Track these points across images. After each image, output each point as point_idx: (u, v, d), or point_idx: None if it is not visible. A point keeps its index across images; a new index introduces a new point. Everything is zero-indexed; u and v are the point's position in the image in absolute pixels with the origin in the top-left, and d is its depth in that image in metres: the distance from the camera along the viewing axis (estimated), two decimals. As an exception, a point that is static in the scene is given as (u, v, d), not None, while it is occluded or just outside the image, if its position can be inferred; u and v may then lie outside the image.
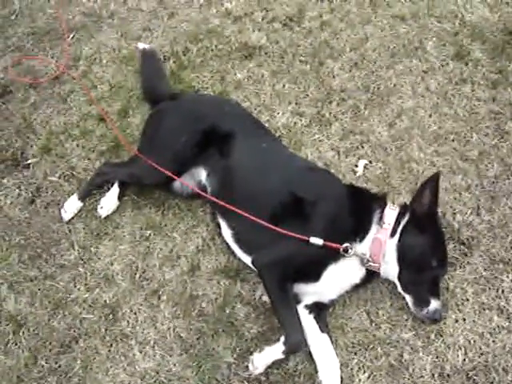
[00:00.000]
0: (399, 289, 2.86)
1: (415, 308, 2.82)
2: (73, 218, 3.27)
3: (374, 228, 2.84)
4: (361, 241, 2.82)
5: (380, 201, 2.94)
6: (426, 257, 2.79)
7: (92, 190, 3.33)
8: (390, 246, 2.82)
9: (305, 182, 2.97)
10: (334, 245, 2.73)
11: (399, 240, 2.82)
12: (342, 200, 2.89)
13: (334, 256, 2.77)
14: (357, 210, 2.87)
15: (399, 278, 2.84)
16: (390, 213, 2.87)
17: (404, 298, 2.88)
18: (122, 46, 4.00)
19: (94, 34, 4.09)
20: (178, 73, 3.82)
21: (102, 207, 3.25)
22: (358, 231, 2.84)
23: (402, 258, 2.80)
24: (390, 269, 2.84)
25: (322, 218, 2.82)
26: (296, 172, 3.05)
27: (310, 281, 2.83)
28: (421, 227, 2.81)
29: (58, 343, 2.92)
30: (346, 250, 2.75)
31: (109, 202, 3.26)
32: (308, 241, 2.72)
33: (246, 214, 2.85)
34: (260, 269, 2.85)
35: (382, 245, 2.80)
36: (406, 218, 2.86)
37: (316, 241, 2.72)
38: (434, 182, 2.77)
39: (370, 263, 2.82)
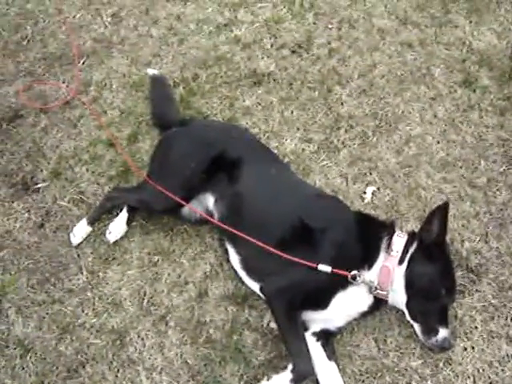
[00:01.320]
0: (407, 317, 2.85)
1: (423, 336, 2.79)
2: (82, 242, 3.28)
3: (381, 256, 2.84)
4: (369, 268, 2.82)
5: (388, 228, 2.94)
6: (435, 285, 2.77)
7: (101, 215, 3.35)
8: (398, 274, 2.80)
9: (313, 209, 2.97)
10: (342, 272, 2.72)
11: (407, 268, 2.81)
12: (351, 227, 2.89)
13: (343, 283, 2.76)
14: (365, 238, 2.87)
15: (407, 306, 2.82)
16: (398, 240, 2.87)
17: (412, 326, 2.87)
18: (132, 72, 4.04)
19: (104, 59, 4.12)
20: (187, 99, 3.85)
21: (110, 232, 3.26)
22: (366, 259, 2.83)
23: (410, 287, 2.79)
24: (397, 297, 2.83)
25: (330, 245, 2.81)
26: (305, 199, 3.05)
27: (319, 308, 2.82)
28: (429, 255, 2.80)
29: (65, 368, 2.91)
30: (354, 278, 2.74)
31: (117, 227, 3.27)
32: (316, 268, 2.72)
33: (253, 240, 2.85)
34: (268, 296, 2.85)
35: (390, 273, 2.79)
36: (414, 245, 2.85)
37: (324, 268, 2.71)
38: (442, 210, 2.75)
39: (377, 291, 2.81)
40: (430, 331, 2.76)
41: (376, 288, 2.80)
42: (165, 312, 3.05)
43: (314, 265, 2.72)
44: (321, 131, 3.68)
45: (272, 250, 2.81)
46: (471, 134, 3.64)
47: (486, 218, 3.30)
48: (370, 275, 2.81)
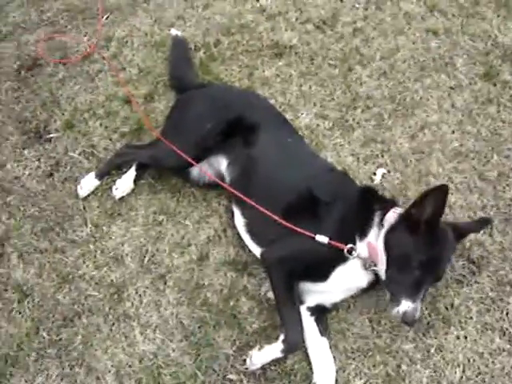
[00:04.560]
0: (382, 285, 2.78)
1: (390, 306, 2.70)
2: (88, 195, 3.30)
3: (373, 230, 2.79)
4: (360, 241, 2.78)
5: (385, 204, 2.88)
6: (407, 256, 2.63)
7: (110, 170, 3.36)
8: (381, 246, 2.74)
9: (323, 182, 2.95)
10: (338, 244, 2.71)
11: (385, 235, 2.73)
12: (353, 202, 2.87)
13: (343, 257, 2.74)
14: (362, 212, 2.84)
15: (385, 275, 2.72)
16: (391, 216, 2.78)
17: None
18: (155, 32, 4.03)
19: (128, 16, 4.11)
20: (206, 64, 3.84)
21: (117, 188, 3.27)
22: (359, 232, 2.80)
23: (387, 255, 2.69)
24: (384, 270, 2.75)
25: (332, 217, 2.80)
26: (316, 171, 3.04)
27: (318, 280, 2.82)
28: (413, 229, 2.66)
29: (61, 316, 2.95)
30: (350, 252, 2.72)
31: (124, 184, 3.28)
32: (314, 238, 2.72)
33: (258, 206, 2.86)
34: (268, 263, 2.86)
35: (375, 247, 2.74)
36: (399, 217, 2.75)
37: (321, 239, 2.71)
38: (439, 193, 2.59)
39: (372, 267, 2.75)
40: (394, 301, 2.64)
41: (370, 264, 2.74)
42: (165, 271, 3.07)
43: (312, 235, 2.72)
44: (337, 109, 3.67)
45: (274, 216, 2.81)
46: (487, 127, 3.62)
47: (492, 211, 3.29)
48: (361, 249, 2.77)
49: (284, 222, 2.79)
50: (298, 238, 2.76)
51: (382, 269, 2.71)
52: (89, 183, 3.30)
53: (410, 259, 2.61)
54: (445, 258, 2.71)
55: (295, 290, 2.80)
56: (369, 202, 2.87)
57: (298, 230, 2.75)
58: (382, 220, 2.78)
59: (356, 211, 2.84)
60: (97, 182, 3.31)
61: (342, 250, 2.71)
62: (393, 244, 2.69)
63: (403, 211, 2.75)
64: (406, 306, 2.59)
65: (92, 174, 3.32)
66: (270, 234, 2.88)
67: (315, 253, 2.75)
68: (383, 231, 2.74)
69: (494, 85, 3.81)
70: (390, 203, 2.90)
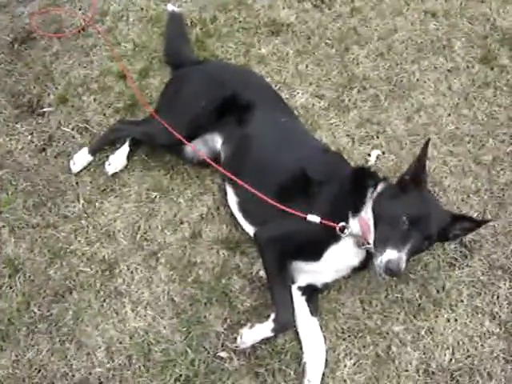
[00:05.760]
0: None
1: (374, 259, 2.64)
2: (81, 170, 3.28)
3: (366, 206, 2.76)
4: (353, 219, 2.76)
5: (376, 178, 2.87)
6: (395, 213, 2.59)
7: (103, 146, 3.33)
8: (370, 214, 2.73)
9: (317, 162, 2.94)
10: (330, 223, 2.69)
11: (373, 202, 2.73)
12: (346, 181, 2.85)
13: (335, 236, 2.73)
14: (355, 189, 2.81)
15: (374, 237, 2.68)
16: (380, 187, 2.78)
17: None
18: (151, 7, 3.98)
19: (124, -10, 4.06)
20: (202, 40, 3.81)
21: (109, 164, 3.25)
22: (352, 210, 2.78)
23: (374, 218, 2.68)
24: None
25: (325, 197, 2.79)
26: (310, 152, 3.03)
27: (311, 260, 2.82)
28: (401, 190, 2.68)
29: (52, 292, 2.95)
30: (342, 230, 2.70)
31: (117, 159, 3.26)
32: (305, 218, 2.70)
33: (249, 188, 2.85)
34: (261, 243, 2.85)
35: (367, 221, 2.71)
36: (387, 184, 2.78)
37: (313, 218, 2.69)
38: (422, 147, 2.64)
39: (365, 245, 2.71)
40: (377, 251, 2.59)
41: (363, 242, 2.72)
42: (157, 248, 3.07)
43: (304, 215, 2.70)
44: (333, 89, 3.65)
45: (265, 197, 2.80)
46: (483, 111, 3.61)
47: (486, 195, 3.29)
48: (354, 226, 2.75)
49: (275, 203, 2.77)
50: (291, 218, 2.74)
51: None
52: (82, 158, 3.28)
53: (397, 215, 2.57)
54: (433, 218, 2.60)
55: (287, 270, 2.81)
56: (362, 180, 2.85)
57: (290, 210, 2.73)
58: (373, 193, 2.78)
59: (349, 189, 2.82)
60: (90, 158, 3.29)
61: (335, 229, 2.70)
62: (380, 207, 2.69)
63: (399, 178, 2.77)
64: (390, 254, 2.52)
65: (85, 150, 3.29)
66: (263, 214, 2.86)
67: (308, 232, 2.74)
68: (371, 201, 2.73)
69: (492, 68, 3.80)
70: (383, 179, 2.87)
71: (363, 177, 2.87)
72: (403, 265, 2.52)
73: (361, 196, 2.79)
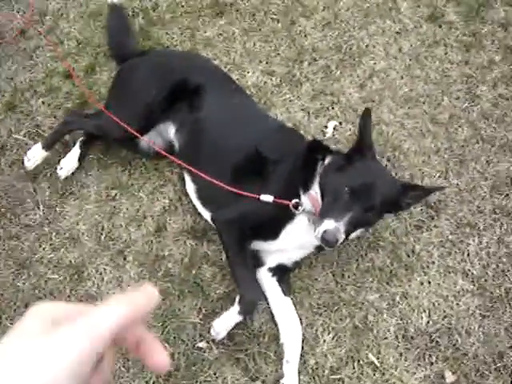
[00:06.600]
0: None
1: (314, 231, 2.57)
2: (38, 171, 3.20)
3: (315, 182, 2.74)
4: (303, 194, 2.74)
5: (325, 151, 2.81)
6: (337, 184, 2.56)
7: (56, 140, 3.21)
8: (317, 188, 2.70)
9: (271, 141, 2.90)
10: (283, 201, 2.66)
11: (319, 176, 2.70)
12: (299, 157, 2.81)
13: (290, 214, 2.70)
14: (306, 165, 2.78)
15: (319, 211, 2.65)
16: (328, 160, 2.75)
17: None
18: (90, 1, 3.88)
19: (60, -13, 3.96)
20: (146, 29, 3.73)
21: (61, 168, 3.18)
22: (304, 187, 2.75)
23: (320, 192, 2.66)
24: None
25: (278, 175, 2.77)
26: (264, 130, 2.99)
27: (269, 239, 2.80)
28: (347, 162, 2.64)
29: (22, 303, 2.90)
30: (296, 207, 2.68)
31: (69, 163, 3.19)
32: (258, 199, 2.68)
33: (199, 173, 2.81)
34: (218, 227, 2.83)
35: (316, 196, 2.69)
36: (334, 157, 2.74)
37: (266, 198, 2.67)
38: (362, 116, 2.63)
39: (317, 221, 2.62)
40: (316, 222, 2.58)
41: (314, 219, 2.65)
42: (123, 246, 3.03)
43: (257, 196, 2.68)
44: (283, 64, 3.61)
45: (214, 181, 2.76)
46: (435, 70, 3.60)
47: (446, 154, 3.30)
48: (306, 203, 2.71)
49: (227, 186, 2.74)
50: (244, 200, 2.72)
51: None
52: (36, 154, 3.17)
53: (339, 187, 2.53)
54: (377, 189, 2.53)
55: (247, 250, 2.78)
56: (312, 155, 2.81)
57: (242, 193, 2.70)
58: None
59: (300, 165, 2.79)
60: (44, 153, 3.18)
61: (289, 207, 2.68)
62: (325, 180, 2.65)
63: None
64: (327, 224, 2.47)
65: (39, 145, 3.18)
66: (220, 199, 2.83)
67: (263, 212, 2.71)
68: (317, 175, 2.71)
69: (440, 26, 3.78)
70: (332, 152, 2.82)
71: (314, 151, 2.83)
72: (341, 236, 2.47)
73: (311, 172, 2.75)
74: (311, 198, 2.70)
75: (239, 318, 2.67)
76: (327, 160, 2.75)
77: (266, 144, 2.86)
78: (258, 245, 2.84)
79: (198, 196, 2.99)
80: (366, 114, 2.64)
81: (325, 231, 2.45)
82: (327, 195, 2.60)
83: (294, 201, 2.67)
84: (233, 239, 2.75)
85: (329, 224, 2.46)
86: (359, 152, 2.63)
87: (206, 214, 2.97)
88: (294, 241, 2.80)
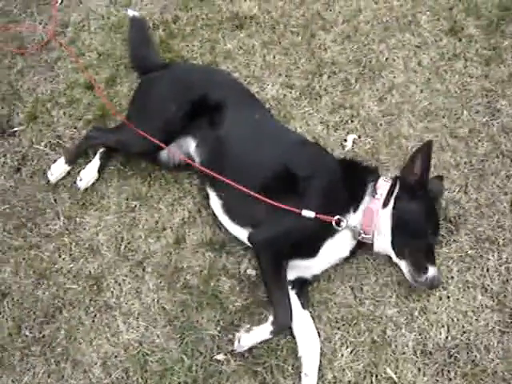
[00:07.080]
0: (394, 258, 2.86)
1: (413, 275, 2.80)
2: (59, 185, 3.25)
3: (366, 199, 2.84)
4: (354, 212, 2.82)
5: (373, 173, 2.96)
6: (421, 224, 2.82)
7: (79, 155, 3.30)
8: (384, 216, 2.81)
9: (298, 156, 2.93)
10: (326, 217, 2.70)
11: (393, 208, 2.81)
12: (336, 173, 2.87)
13: (330, 230, 2.75)
14: (350, 183, 2.86)
15: (394, 246, 2.82)
16: (383, 184, 2.87)
17: (399, 267, 2.91)
18: (111, 13, 3.93)
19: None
20: (167, 41, 3.76)
21: (81, 179, 3.22)
22: (351, 203, 2.83)
23: (397, 226, 2.80)
24: (383, 239, 2.82)
25: (315, 191, 2.79)
26: (289, 146, 3.00)
27: (308, 257, 2.82)
28: (413, 195, 2.81)
29: (41, 313, 2.93)
30: (338, 223, 2.73)
31: (88, 174, 3.23)
32: (300, 214, 2.69)
33: (238, 186, 2.82)
34: (256, 246, 2.82)
35: (373, 215, 2.80)
36: (398, 187, 2.86)
37: (308, 213, 2.69)
38: (425, 150, 2.75)
39: (362, 235, 2.80)
40: (419, 269, 2.78)
41: (360, 233, 2.80)
42: (142, 258, 3.04)
43: (298, 210, 2.69)
44: (303, 77, 3.61)
45: (257, 196, 2.78)
46: (455, 84, 3.58)
47: (466, 168, 3.28)
48: (355, 219, 2.80)
49: (266, 199, 2.76)
50: (284, 216, 2.74)
51: (379, 238, 2.83)
52: (59, 168, 3.24)
53: (424, 226, 2.82)
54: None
55: (284, 270, 2.78)
56: (356, 172, 2.93)
57: (284, 206, 2.72)
58: (374, 189, 2.85)
59: (344, 182, 2.85)
60: (67, 168, 3.26)
61: (330, 223, 2.71)
62: (404, 214, 2.81)
63: (397, 178, 2.91)
64: (433, 271, 2.77)
65: (62, 159, 3.25)
66: (252, 214, 2.84)
67: (303, 229, 2.74)
68: (390, 205, 2.83)
69: (460, 40, 3.76)
70: (376, 171, 3.00)
71: (356, 170, 2.96)
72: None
73: (360, 190, 2.87)
74: (367, 215, 2.81)
75: (269, 337, 2.68)
76: (383, 185, 2.88)
77: (292, 160, 2.88)
78: (296, 263, 2.83)
79: (225, 211, 2.98)
80: (429, 147, 2.76)
81: (433, 278, 2.77)
82: (408, 232, 2.80)
83: (336, 217, 2.72)
84: (272, 259, 2.76)
85: (433, 270, 2.78)
86: (422, 186, 2.83)
87: (234, 229, 2.96)
88: (333, 257, 2.86)
